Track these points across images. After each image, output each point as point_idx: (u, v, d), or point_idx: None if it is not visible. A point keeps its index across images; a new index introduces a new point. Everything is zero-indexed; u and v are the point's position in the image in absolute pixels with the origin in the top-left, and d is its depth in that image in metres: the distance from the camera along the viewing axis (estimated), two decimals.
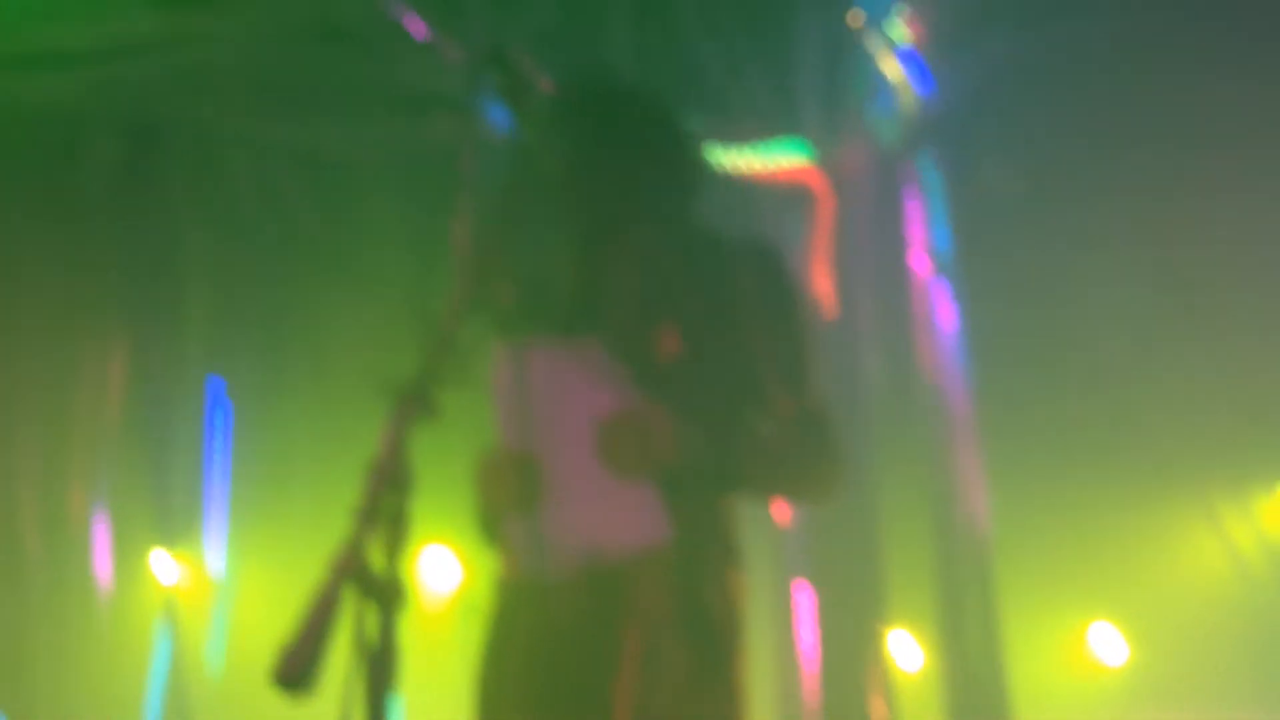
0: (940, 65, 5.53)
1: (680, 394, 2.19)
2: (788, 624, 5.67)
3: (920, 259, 5.95)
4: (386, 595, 1.63)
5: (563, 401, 2.22)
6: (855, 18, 5.46)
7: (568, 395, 2.22)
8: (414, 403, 1.78)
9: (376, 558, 1.65)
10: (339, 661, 1.62)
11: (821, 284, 5.67)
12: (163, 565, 6.51)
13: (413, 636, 1.73)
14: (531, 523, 2.21)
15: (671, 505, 2.18)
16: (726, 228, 2.39)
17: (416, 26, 5.18)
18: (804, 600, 5.67)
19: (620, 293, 2.29)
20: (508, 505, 2.23)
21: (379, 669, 1.61)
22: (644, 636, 2.13)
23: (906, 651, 6.51)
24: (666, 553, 2.17)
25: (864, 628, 5.62)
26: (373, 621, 1.62)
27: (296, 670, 1.52)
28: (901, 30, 5.49)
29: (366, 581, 1.62)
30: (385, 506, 1.67)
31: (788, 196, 5.79)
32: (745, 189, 5.57)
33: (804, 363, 2.31)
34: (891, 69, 5.51)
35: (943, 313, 5.94)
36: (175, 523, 6.54)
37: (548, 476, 2.20)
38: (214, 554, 6.63)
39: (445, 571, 6.61)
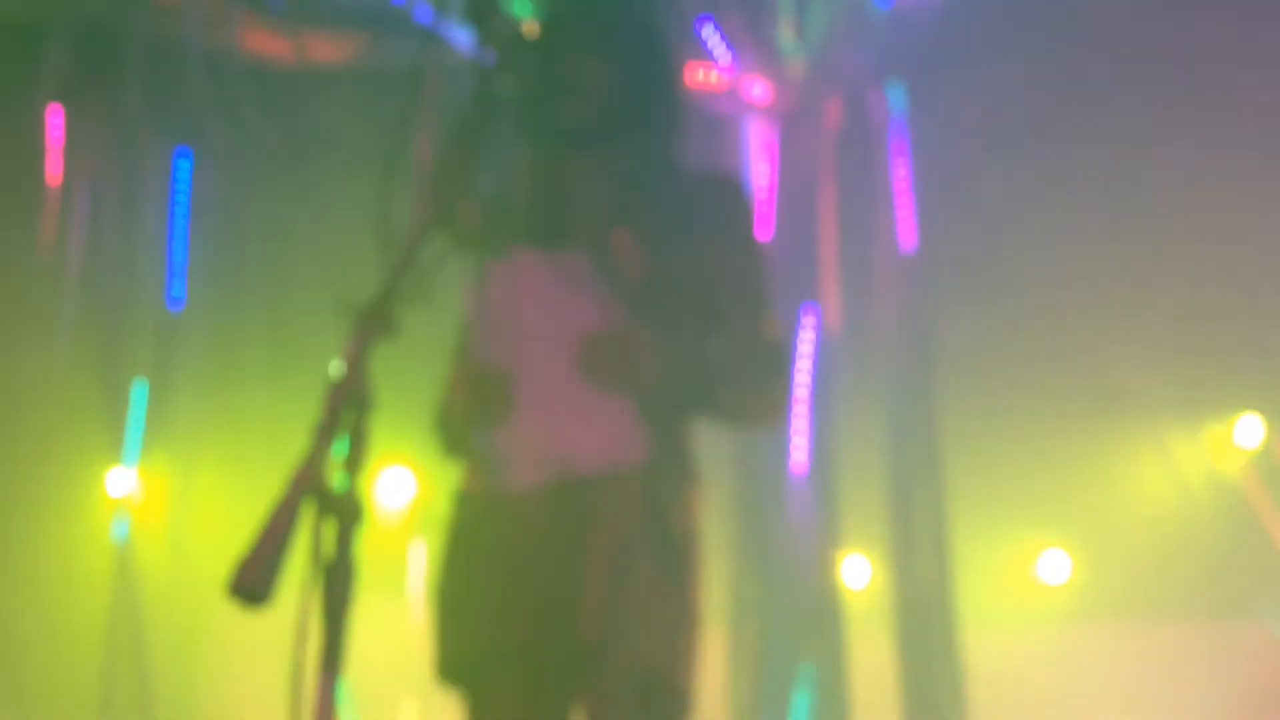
0: None
1: (652, 313, 2.21)
2: (740, 546, 5.74)
3: (883, 186, 5.96)
4: (344, 510, 1.65)
5: (543, 314, 2.23)
6: None
7: (549, 307, 2.23)
8: (374, 320, 1.78)
9: (335, 473, 1.66)
10: (296, 575, 1.63)
11: (779, 211, 5.68)
12: (119, 481, 6.50)
13: (368, 551, 1.75)
14: (503, 435, 2.22)
15: (646, 423, 2.21)
16: (689, 152, 2.40)
17: None
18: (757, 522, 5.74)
19: (593, 210, 2.30)
20: (476, 417, 2.24)
21: (336, 583, 1.63)
22: (610, 550, 2.17)
23: (855, 571, 6.61)
24: (637, 471, 2.20)
25: (817, 551, 5.70)
26: (330, 536, 1.64)
27: (252, 581, 1.54)
28: None
29: (324, 496, 1.64)
30: (344, 422, 1.69)
31: (750, 122, 5.78)
32: (710, 115, 5.54)
33: (759, 288, 2.35)
34: None
35: (903, 239, 5.97)
36: (131, 440, 6.50)
37: (521, 389, 2.21)
38: (171, 470, 6.61)
39: (401, 489, 6.62)
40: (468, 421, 2.28)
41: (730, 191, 2.37)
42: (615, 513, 2.18)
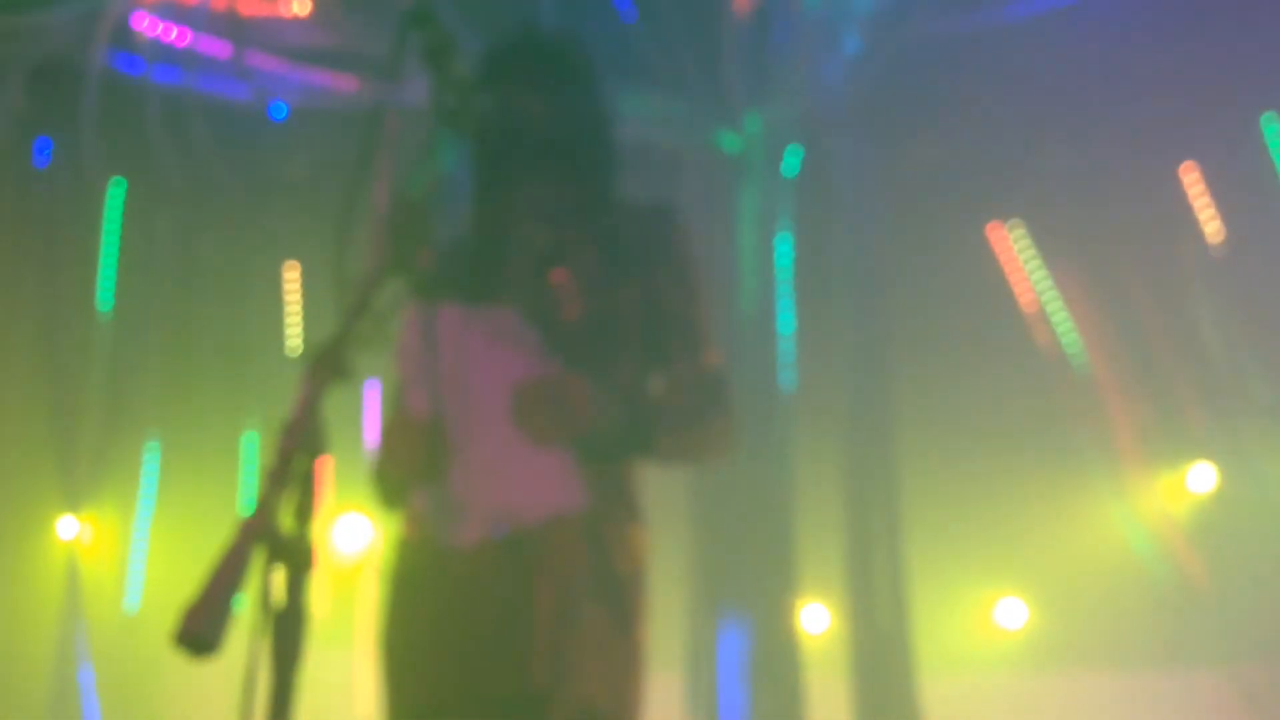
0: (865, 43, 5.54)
1: (587, 355, 2.20)
2: (701, 593, 5.72)
3: (835, 231, 5.99)
4: (295, 557, 1.62)
5: (474, 366, 2.22)
6: None
7: (479, 360, 2.22)
8: (328, 365, 1.76)
9: (286, 519, 1.64)
10: (246, 625, 1.60)
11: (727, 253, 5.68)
12: (69, 530, 6.42)
13: (323, 599, 1.72)
14: (438, 488, 2.21)
15: (585, 470, 2.20)
16: (631, 190, 2.41)
17: None
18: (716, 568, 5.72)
19: (528, 254, 2.30)
20: (414, 471, 2.22)
21: (286, 631, 1.60)
22: (556, 595, 2.15)
23: (814, 617, 6.60)
24: (580, 517, 2.18)
25: (776, 599, 5.68)
26: (280, 583, 1.61)
27: (199, 629, 1.50)
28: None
29: (275, 543, 1.61)
30: (296, 468, 1.66)
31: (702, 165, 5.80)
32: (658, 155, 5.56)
33: (701, 323, 2.34)
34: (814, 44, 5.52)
35: (857, 288, 6.00)
36: (82, 488, 6.43)
37: (457, 442, 2.20)
38: (123, 517, 6.53)
39: (358, 536, 6.57)
40: (405, 476, 2.26)
41: (666, 222, 2.36)
42: (559, 559, 2.16)
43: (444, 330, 2.23)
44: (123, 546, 6.53)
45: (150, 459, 6.48)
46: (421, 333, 2.24)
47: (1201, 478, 6.65)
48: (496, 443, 2.18)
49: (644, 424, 2.26)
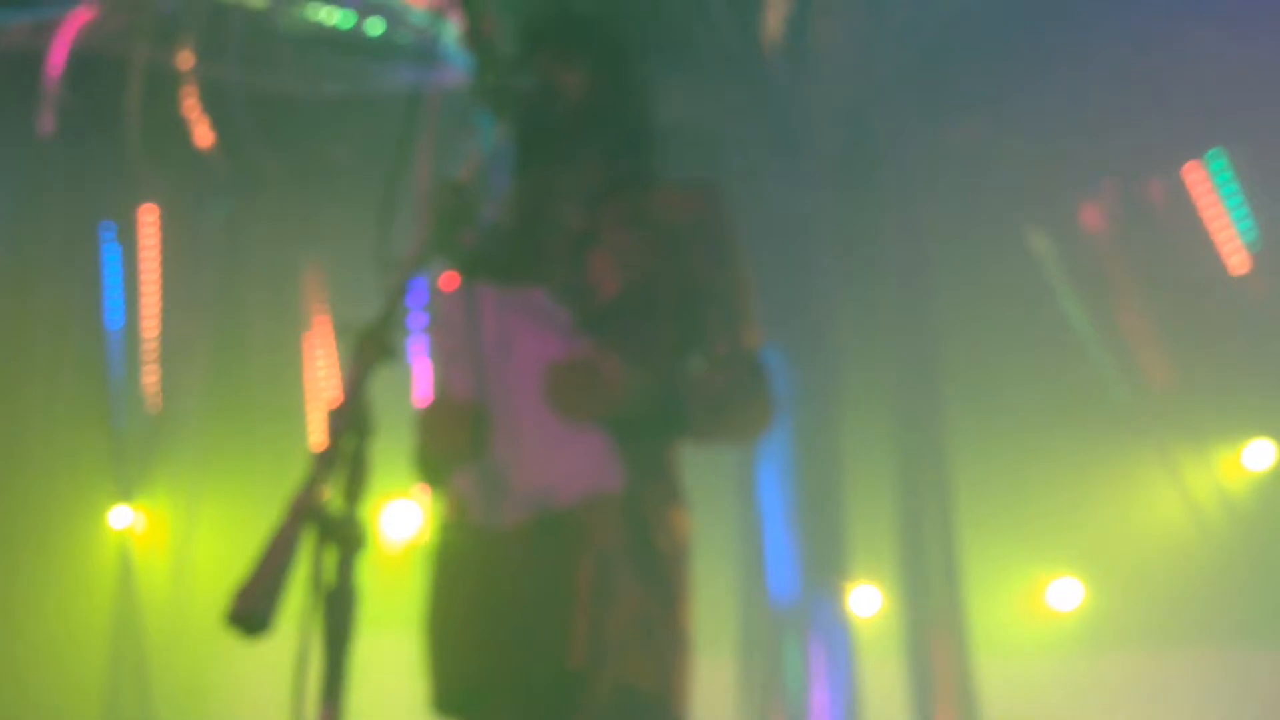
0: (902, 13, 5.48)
1: (623, 335, 2.19)
2: (750, 570, 5.70)
3: (881, 212, 5.94)
4: (346, 537, 1.62)
5: (510, 348, 2.21)
6: None
7: (515, 341, 2.21)
8: (374, 345, 1.76)
9: (335, 500, 1.63)
10: (297, 605, 1.60)
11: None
12: (121, 518, 6.49)
13: (374, 581, 1.72)
14: (481, 469, 2.20)
15: (621, 449, 2.19)
16: (669, 169, 2.40)
17: None
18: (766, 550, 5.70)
19: (565, 233, 2.29)
20: (455, 452, 2.22)
21: (337, 611, 1.60)
22: (596, 577, 2.14)
23: (865, 599, 6.57)
24: (617, 496, 2.17)
25: (826, 580, 5.65)
26: (331, 563, 1.61)
27: (250, 609, 1.50)
28: None
29: (325, 523, 1.60)
30: (344, 448, 1.66)
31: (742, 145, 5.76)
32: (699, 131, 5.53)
33: (741, 302, 2.32)
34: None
35: (905, 270, 5.95)
36: (132, 476, 6.49)
37: (496, 423, 2.19)
38: (172, 503, 6.59)
39: (407, 520, 6.60)
40: (444, 459, 2.26)
41: (707, 200, 2.34)
42: (598, 539, 2.15)
43: (482, 311, 2.23)
44: (175, 535, 6.59)
45: (196, 442, 6.53)
46: (462, 313, 2.24)
47: (1259, 454, 6.56)
48: (532, 422, 2.18)
49: (680, 403, 2.24)
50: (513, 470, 2.19)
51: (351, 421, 1.67)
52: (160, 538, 6.60)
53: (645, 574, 2.17)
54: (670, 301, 2.27)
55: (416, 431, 2.29)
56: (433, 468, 2.31)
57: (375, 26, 5.37)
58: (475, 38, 2.09)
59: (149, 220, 6.38)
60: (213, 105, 5.54)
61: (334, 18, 5.40)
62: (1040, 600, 6.88)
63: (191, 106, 5.47)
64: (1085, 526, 6.57)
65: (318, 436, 1.68)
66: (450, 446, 2.22)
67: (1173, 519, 6.53)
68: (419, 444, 2.31)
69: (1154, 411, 6.27)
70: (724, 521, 5.60)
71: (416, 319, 1.94)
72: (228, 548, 6.03)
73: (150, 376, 6.51)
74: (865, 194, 5.88)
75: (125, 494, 6.51)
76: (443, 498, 2.31)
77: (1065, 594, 6.83)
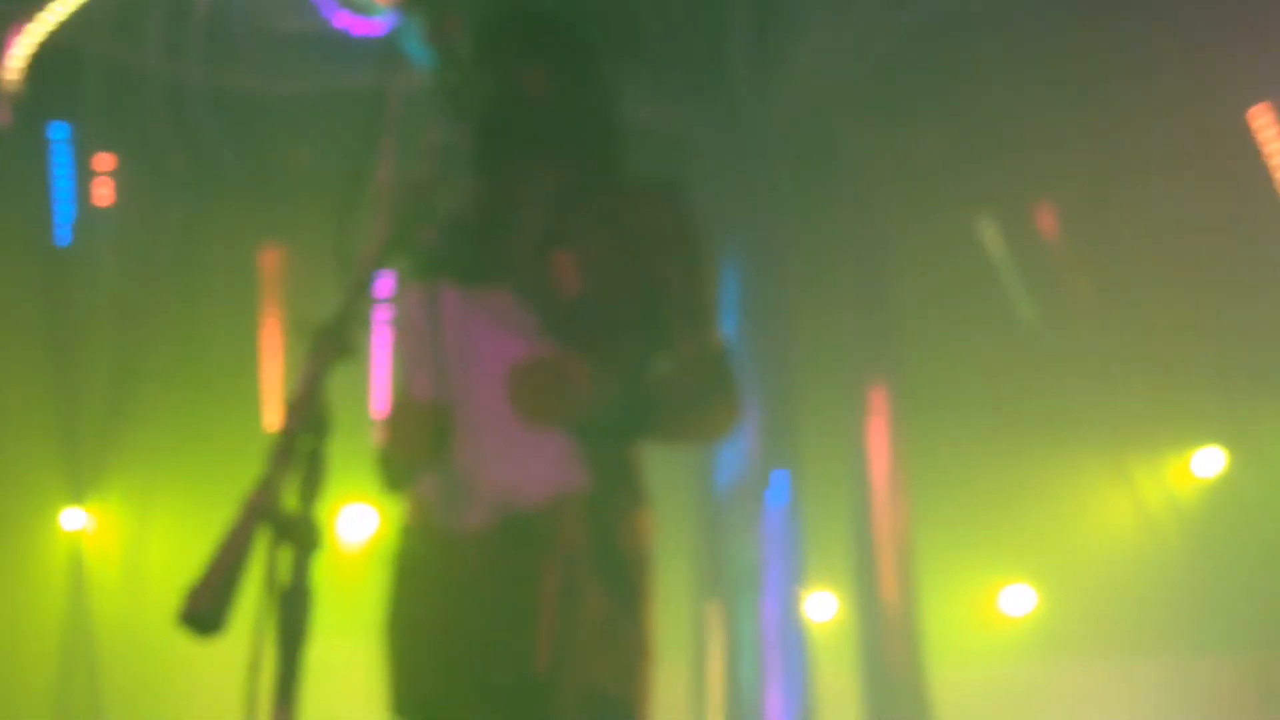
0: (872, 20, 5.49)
1: (587, 336, 2.19)
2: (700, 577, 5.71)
3: (840, 216, 5.96)
4: (300, 536, 1.60)
5: (473, 349, 2.20)
6: None
7: (478, 343, 2.20)
8: (331, 343, 1.74)
9: (291, 499, 1.62)
10: (251, 605, 1.58)
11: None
12: (72, 520, 6.42)
13: (328, 583, 1.70)
14: (443, 472, 2.19)
15: (585, 451, 2.18)
16: (633, 169, 2.39)
17: None
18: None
19: (528, 232, 2.28)
20: (418, 454, 2.20)
21: (291, 611, 1.58)
22: (561, 581, 2.12)
23: (821, 604, 6.59)
24: (581, 498, 2.16)
25: (781, 583, 5.66)
26: (286, 563, 1.60)
27: (203, 609, 1.48)
28: None
29: (280, 522, 1.59)
30: (301, 446, 1.64)
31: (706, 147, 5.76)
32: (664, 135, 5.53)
33: (705, 302, 2.32)
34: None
35: (863, 274, 5.97)
36: (85, 477, 6.43)
37: (459, 425, 2.18)
38: (123, 508, 6.54)
39: (362, 524, 6.57)
40: (408, 460, 2.24)
41: (670, 201, 2.33)
42: (563, 542, 2.14)
43: (445, 312, 2.22)
44: (127, 537, 6.53)
45: (153, 447, 6.47)
46: (424, 315, 2.22)
47: (1209, 461, 6.63)
48: (496, 425, 2.16)
49: (645, 404, 2.24)
50: (476, 473, 2.18)
51: (308, 420, 1.66)
52: (112, 539, 6.53)
53: (609, 577, 2.16)
54: (635, 302, 2.26)
55: (378, 434, 2.28)
56: (395, 470, 2.29)
57: None
58: (437, 35, 2.08)
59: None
60: (173, 102, 5.50)
61: None
62: (993, 606, 6.92)
63: (151, 103, 5.42)
64: (1037, 533, 6.61)
65: (273, 435, 1.66)
66: (412, 449, 2.21)
67: (1124, 525, 6.59)
68: (381, 446, 2.29)
69: (1105, 418, 6.32)
70: (679, 519, 5.61)
71: (377, 317, 1.92)
72: (181, 549, 5.98)
73: (103, 375, 6.45)
74: (824, 196, 5.90)
75: (77, 496, 6.44)
76: (405, 500, 2.30)
77: (1017, 600, 6.88)
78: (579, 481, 2.17)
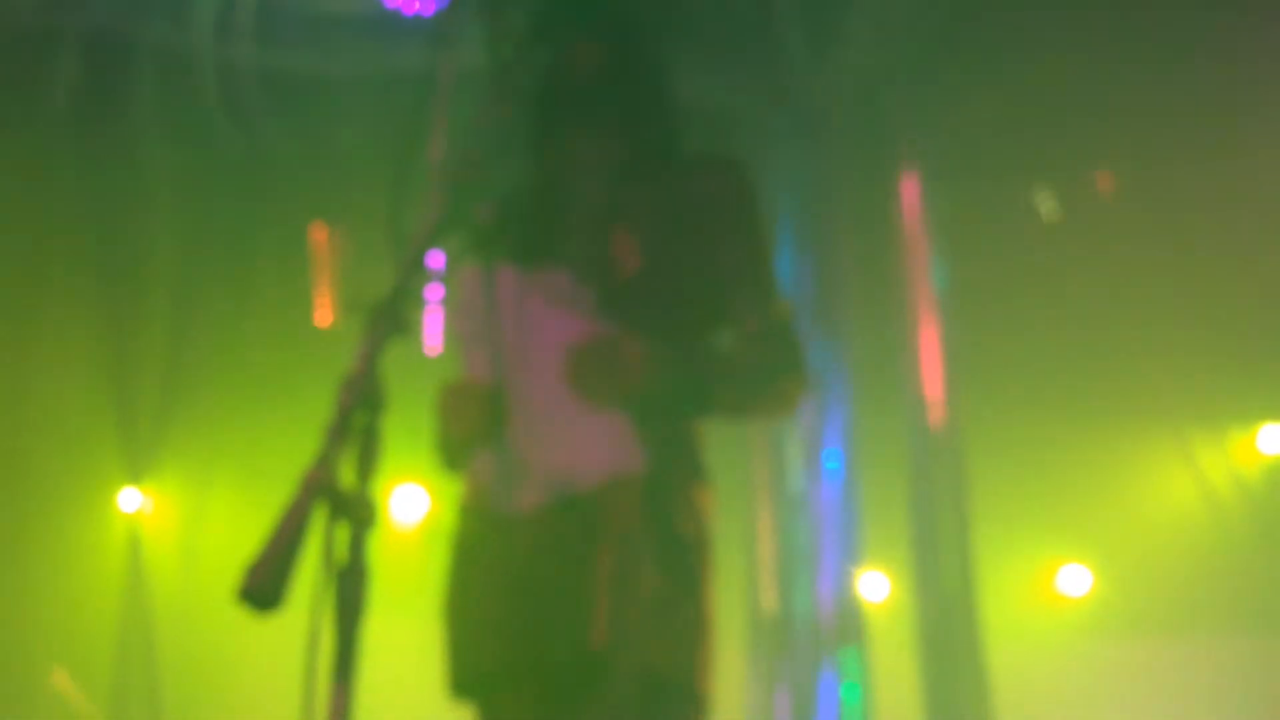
0: None
1: (646, 313, 2.16)
2: (757, 555, 5.69)
3: (899, 189, 5.90)
4: (357, 513, 1.60)
5: (530, 329, 2.18)
6: None
7: (535, 323, 2.18)
8: (387, 320, 1.74)
9: (347, 475, 1.61)
10: (308, 581, 1.58)
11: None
12: (130, 502, 6.49)
13: (383, 562, 1.70)
14: (499, 452, 2.18)
15: (642, 431, 2.16)
16: (691, 144, 2.36)
17: None
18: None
19: (585, 210, 2.26)
20: (474, 435, 2.19)
21: (348, 587, 1.58)
22: (616, 558, 2.11)
23: (874, 585, 6.56)
24: (638, 479, 2.14)
25: (839, 562, 5.64)
26: (342, 540, 1.59)
27: (262, 585, 1.48)
28: None
29: (337, 499, 1.58)
30: (356, 423, 1.64)
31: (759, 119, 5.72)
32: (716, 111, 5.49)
33: (767, 277, 2.29)
34: None
35: (918, 250, 5.91)
36: (142, 458, 6.50)
37: (515, 405, 2.16)
38: (181, 489, 6.60)
39: (415, 505, 6.60)
40: (464, 440, 2.23)
41: (730, 175, 2.30)
42: (618, 522, 2.12)
43: (501, 292, 2.20)
44: (184, 517, 6.60)
45: (206, 420, 6.52)
46: (481, 294, 2.21)
47: (1274, 438, 6.53)
48: (552, 405, 2.15)
49: (706, 381, 2.21)
50: (531, 453, 2.16)
51: (364, 397, 1.65)
52: (169, 520, 6.60)
53: (666, 557, 2.14)
54: (694, 278, 2.23)
55: (435, 413, 2.27)
56: (451, 450, 2.28)
57: None
58: (490, 11, 2.07)
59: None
60: (225, 84, 5.52)
61: None
62: (1050, 586, 6.86)
63: (204, 85, 5.45)
64: (1096, 512, 6.54)
65: (330, 413, 1.66)
66: (468, 429, 2.20)
67: (1185, 503, 6.51)
68: (437, 426, 2.28)
69: (1167, 393, 6.23)
70: (737, 496, 5.59)
71: (432, 294, 1.91)
72: (237, 528, 6.04)
73: (160, 357, 6.51)
74: (877, 170, 5.84)
75: (134, 477, 6.51)
76: (461, 481, 2.29)
77: (1075, 580, 6.81)
78: (634, 463, 2.15)
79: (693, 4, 5.27)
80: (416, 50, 5.09)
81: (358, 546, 1.59)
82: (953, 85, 5.73)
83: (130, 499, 6.51)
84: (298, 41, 5.51)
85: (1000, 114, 5.84)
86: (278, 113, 5.64)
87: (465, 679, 2.22)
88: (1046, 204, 6.09)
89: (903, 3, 5.43)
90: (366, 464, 1.63)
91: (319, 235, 6.46)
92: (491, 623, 2.17)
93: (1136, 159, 6.01)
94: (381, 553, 1.68)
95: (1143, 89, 5.68)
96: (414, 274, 1.82)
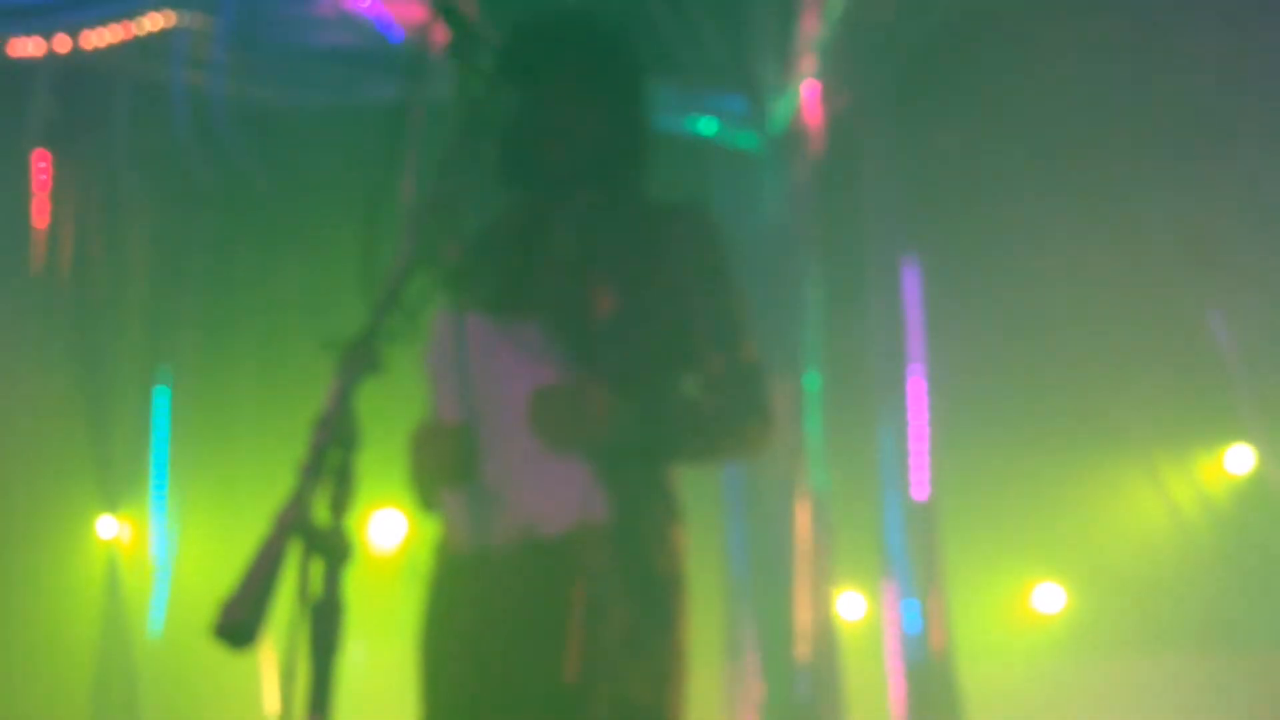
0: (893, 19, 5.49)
1: (613, 359, 2.19)
2: (733, 583, 5.71)
3: (874, 221, 5.95)
4: (331, 550, 1.63)
5: (497, 375, 2.21)
6: None
7: (504, 370, 2.21)
8: (360, 358, 1.77)
9: (321, 512, 1.65)
10: (283, 617, 1.61)
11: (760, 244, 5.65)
12: (107, 528, 6.48)
13: (358, 592, 1.73)
14: (469, 494, 2.21)
15: (607, 477, 2.18)
16: (662, 188, 2.39)
17: None
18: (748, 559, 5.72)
19: (556, 254, 2.29)
20: (446, 474, 2.22)
21: (323, 623, 1.61)
22: (587, 595, 2.14)
23: (851, 605, 6.59)
24: (603, 527, 2.16)
25: (811, 588, 5.67)
26: (317, 576, 1.63)
27: (237, 622, 1.51)
28: None
29: (311, 536, 1.62)
30: (330, 461, 1.67)
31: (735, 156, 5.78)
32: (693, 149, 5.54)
33: (735, 319, 2.32)
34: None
35: (893, 277, 5.96)
36: (119, 486, 6.49)
37: (485, 449, 2.19)
38: (158, 514, 6.58)
39: (392, 531, 6.61)
40: (436, 480, 2.26)
41: (694, 219, 2.33)
42: (585, 567, 2.14)
43: (471, 337, 2.23)
44: (157, 546, 6.58)
45: (182, 453, 6.52)
46: (451, 338, 2.23)
47: (1240, 458, 6.59)
48: (520, 450, 2.18)
49: (671, 427, 2.24)
50: (500, 496, 2.19)
51: (338, 434, 1.69)
52: (147, 548, 6.58)
53: (639, 593, 2.17)
54: (662, 323, 2.26)
55: (407, 449, 2.30)
56: (424, 489, 2.31)
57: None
58: (461, 51, 2.09)
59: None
60: (199, 117, 5.54)
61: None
62: (1025, 605, 6.90)
63: (177, 119, 5.47)
64: (1069, 530, 6.59)
65: (304, 449, 1.69)
66: (438, 467, 2.23)
67: (1155, 523, 6.56)
68: (409, 462, 2.31)
69: (1135, 415, 6.29)
70: (711, 521, 5.62)
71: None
72: (215, 553, 6.03)
73: (138, 384, 6.51)
74: (851, 202, 5.90)
75: (112, 504, 6.50)
76: (435, 518, 2.32)
77: (1050, 598, 6.86)
78: (599, 510, 2.17)
79: (666, 40, 5.32)
80: (389, 83, 5.13)
81: (332, 581, 1.63)
82: (924, 117, 5.79)
83: (107, 526, 6.50)
84: (271, 73, 5.53)
85: (970, 145, 5.91)
86: (252, 145, 5.67)
87: (440, 713, 2.24)
88: (1018, 229, 6.13)
89: (873, 37, 5.49)
90: (340, 501, 1.67)
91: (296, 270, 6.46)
92: (466, 658, 2.20)
93: (1102, 194, 6.08)
94: (359, 578, 1.71)
95: (1106, 126, 5.77)
96: (386, 312, 1.85)
